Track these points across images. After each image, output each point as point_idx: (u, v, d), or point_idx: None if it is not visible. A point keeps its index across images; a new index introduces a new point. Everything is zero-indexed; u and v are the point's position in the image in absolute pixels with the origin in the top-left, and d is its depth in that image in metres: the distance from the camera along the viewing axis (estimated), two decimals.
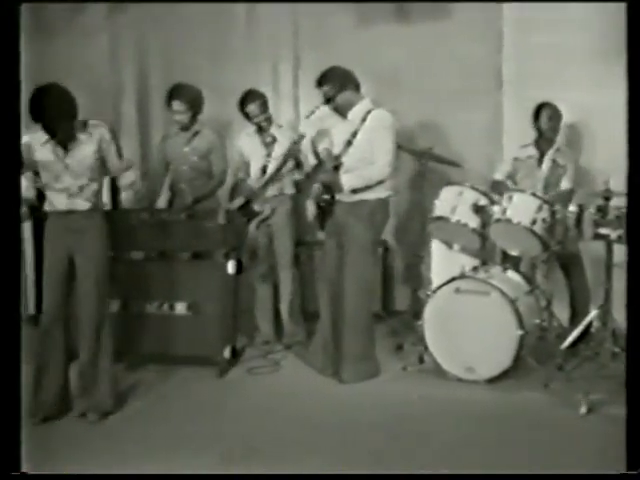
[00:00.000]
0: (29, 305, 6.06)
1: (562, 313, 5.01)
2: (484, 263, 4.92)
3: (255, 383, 4.72)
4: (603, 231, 4.14)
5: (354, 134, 4.61)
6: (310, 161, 4.99)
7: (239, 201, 5.26)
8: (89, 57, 6.45)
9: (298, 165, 5.32)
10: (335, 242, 4.73)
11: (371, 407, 4.27)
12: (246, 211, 5.18)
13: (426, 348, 4.72)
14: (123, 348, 4.72)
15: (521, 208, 4.56)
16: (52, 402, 4.10)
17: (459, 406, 4.23)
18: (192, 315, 4.81)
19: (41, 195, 4.20)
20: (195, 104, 5.29)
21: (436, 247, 5.19)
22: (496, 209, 4.65)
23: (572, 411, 4.00)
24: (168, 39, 6.43)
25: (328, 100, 4.64)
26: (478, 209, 4.74)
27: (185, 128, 5.33)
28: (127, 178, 4.33)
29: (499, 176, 5.26)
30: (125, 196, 4.62)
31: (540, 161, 5.16)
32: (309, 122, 4.92)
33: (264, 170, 5.32)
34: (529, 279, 4.84)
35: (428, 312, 4.70)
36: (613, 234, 4.11)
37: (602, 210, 4.14)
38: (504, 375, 4.48)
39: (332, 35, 6.01)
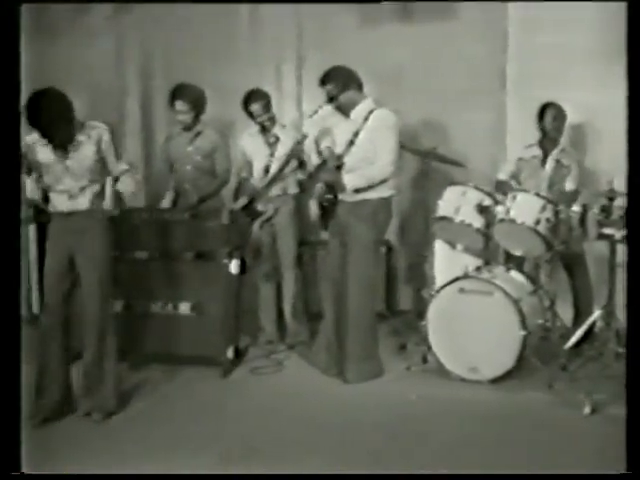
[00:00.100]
0: (34, 305, 6.08)
1: (566, 313, 5.00)
2: (487, 263, 4.92)
3: (258, 383, 4.72)
4: (607, 231, 4.14)
5: (356, 134, 4.61)
6: (313, 161, 4.99)
7: (242, 201, 5.26)
8: (93, 58, 6.46)
9: (301, 165, 5.31)
10: (338, 242, 4.72)
11: (374, 407, 4.27)
12: (249, 211, 5.18)
13: (429, 348, 4.72)
14: (127, 348, 4.72)
15: (525, 208, 4.55)
16: (53, 404, 4.09)
17: (462, 406, 4.22)
18: (195, 315, 4.81)
19: (47, 197, 4.19)
20: (198, 104, 5.29)
21: (439, 247, 5.18)
22: (500, 209, 4.64)
23: (576, 411, 4.00)
24: (172, 40, 6.43)
25: (331, 99, 4.64)
26: (482, 209, 4.73)
27: (188, 128, 5.33)
28: (124, 184, 4.18)
29: (503, 176, 5.26)
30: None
31: (544, 161, 5.15)
32: (312, 121, 4.91)
33: (267, 170, 5.32)
34: (533, 279, 4.83)
35: (431, 312, 4.70)
36: (617, 234, 4.11)
37: (606, 210, 4.14)
38: (507, 375, 4.48)
39: (336, 35, 6.01)
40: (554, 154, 5.13)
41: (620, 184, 3.96)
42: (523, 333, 4.42)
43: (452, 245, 5.12)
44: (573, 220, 4.40)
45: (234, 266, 4.79)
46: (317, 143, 4.92)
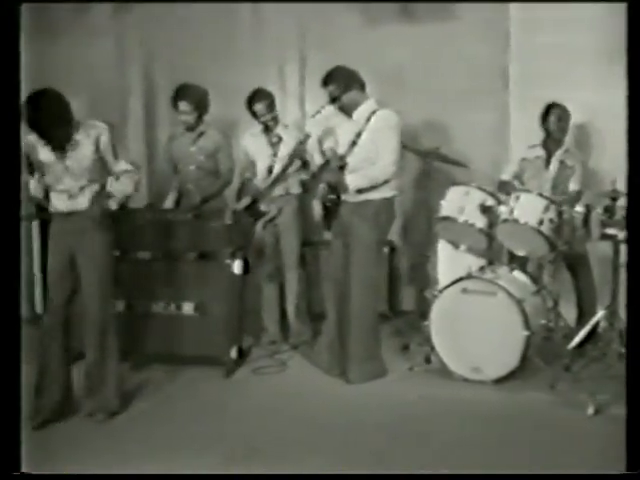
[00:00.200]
0: (37, 305, 6.09)
1: (569, 313, 4.99)
2: (491, 263, 4.92)
3: (261, 383, 4.72)
4: (610, 231, 4.14)
5: (359, 134, 4.61)
6: (316, 161, 4.99)
7: (245, 201, 5.26)
8: (95, 57, 6.46)
9: (304, 165, 5.31)
10: (341, 242, 4.72)
11: (377, 407, 4.27)
12: (252, 211, 5.18)
13: (432, 348, 4.72)
14: (130, 348, 4.73)
15: (528, 208, 4.55)
16: (53, 405, 4.08)
17: (465, 406, 4.22)
18: (198, 315, 4.81)
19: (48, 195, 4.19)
20: (201, 104, 5.29)
21: (443, 247, 5.17)
22: (503, 209, 4.64)
23: (579, 412, 4.00)
24: (174, 39, 6.42)
25: (333, 100, 4.64)
26: (485, 209, 4.73)
27: (191, 128, 5.33)
28: (122, 184, 4.06)
29: (506, 176, 5.25)
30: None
31: (548, 162, 5.14)
32: (315, 121, 4.92)
33: (270, 170, 5.32)
34: (536, 279, 4.83)
35: (434, 312, 4.70)
36: (620, 234, 4.11)
37: (609, 210, 4.14)
38: (511, 375, 4.48)
39: (338, 35, 6.01)
40: (558, 155, 5.12)
41: (623, 184, 3.97)
42: (526, 333, 4.42)
43: (455, 245, 5.12)
44: (576, 220, 4.40)
45: (237, 266, 4.79)
46: (320, 143, 4.92)
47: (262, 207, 5.22)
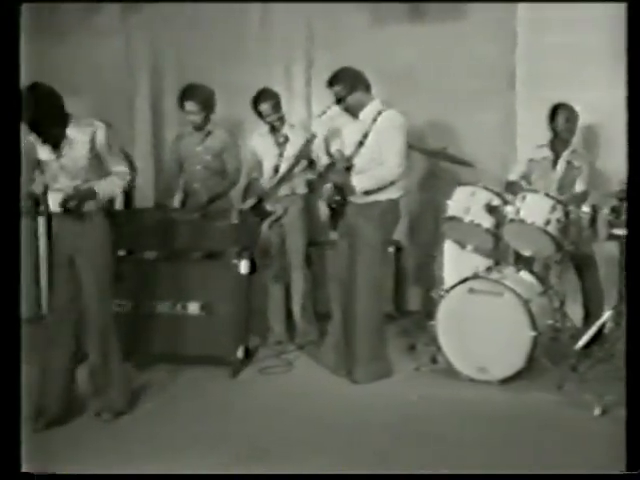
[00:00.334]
0: (43, 304, 6.09)
1: (576, 314, 4.99)
2: (497, 263, 4.91)
3: (267, 383, 4.73)
4: (617, 232, 4.12)
5: (365, 135, 4.61)
6: (322, 161, 5.00)
7: (251, 201, 5.26)
8: (103, 57, 6.49)
9: (311, 165, 5.31)
10: (347, 242, 4.72)
11: (383, 407, 4.27)
12: (258, 211, 5.18)
13: (439, 348, 4.72)
14: (136, 348, 4.75)
15: (535, 208, 4.55)
16: (55, 407, 4.05)
17: (472, 407, 4.22)
18: (205, 315, 4.81)
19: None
20: (208, 104, 5.29)
21: (449, 247, 5.17)
22: (509, 209, 4.63)
23: (586, 412, 3.99)
24: (181, 39, 6.45)
25: (339, 100, 4.64)
26: (491, 209, 4.73)
27: (198, 128, 5.33)
28: (111, 184, 4.01)
29: (513, 177, 5.24)
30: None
31: (555, 162, 5.14)
32: (321, 121, 4.92)
33: (276, 170, 5.32)
34: (542, 280, 4.82)
35: (441, 312, 4.70)
36: None
37: (616, 211, 4.12)
38: (517, 376, 4.47)
39: (346, 35, 6.01)
40: (565, 155, 5.11)
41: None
42: (533, 334, 4.41)
43: (462, 245, 5.11)
44: (583, 221, 4.39)
45: (244, 266, 4.79)
46: (326, 143, 4.92)
47: (268, 207, 5.23)
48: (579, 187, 5.06)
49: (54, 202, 3.95)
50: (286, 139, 5.34)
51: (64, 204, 3.88)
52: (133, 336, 4.74)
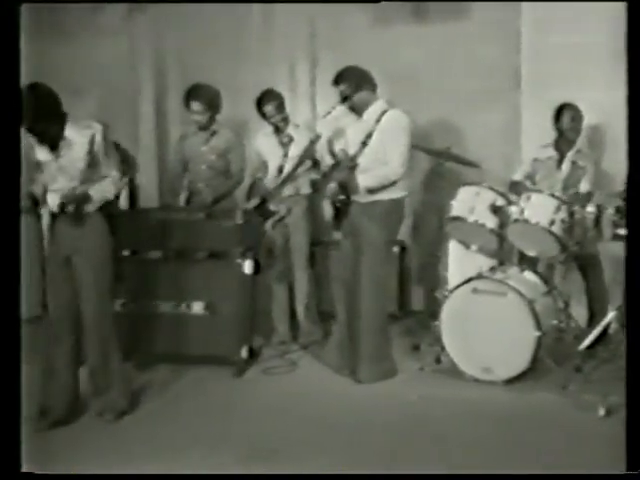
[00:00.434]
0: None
1: (580, 314, 4.98)
2: (501, 264, 4.90)
3: (271, 383, 4.73)
4: (622, 232, 4.11)
5: (369, 135, 4.60)
6: (327, 161, 4.99)
7: (255, 201, 5.27)
8: (107, 57, 6.49)
9: (315, 165, 5.31)
10: (350, 242, 4.72)
11: (387, 407, 4.26)
12: (261, 211, 5.19)
13: (443, 348, 4.71)
14: (140, 347, 4.76)
15: (539, 208, 4.54)
16: (60, 408, 4.05)
17: (476, 407, 4.21)
18: (209, 315, 4.81)
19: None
20: (213, 104, 5.29)
21: (453, 247, 5.16)
22: (514, 209, 4.62)
23: (590, 413, 3.98)
24: (185, 39, 6.46)
25: (344, 99, 4.64)
26: (496, 209, 4.72)
27: (203, 128, 5.33)
28: (106, 188, 3.99)
29: (518, 177, 5.23)
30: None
31: (560, 162, 5.13)
32: (325, 122, 4.92)
33: (281, 170, 5.32)
34: (547, 280, 4.81)
35: (445, 312, 4.69)
36: None
37: (621, 211, 4.11)
38: (521, 376, 4.46)
39: (349, 35, 6.01)
40: (570, 155, 5.10)
41: None
42: (537, 334, 4.41)
43: (466, 245, 5.11)
44: (588, 221, 4.38)
45: (248, 266, 4.80)
46: (330, 144, 4.92)
47: (271, 207, 5.23)
48: (584, 187, 5.05)
49: (52, 203, 3.95)
50: (290, 139, 5.34)
51: (62, 207, 3.88)
52: (137, 336, 4.75)
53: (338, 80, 4.65)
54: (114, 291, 4.23)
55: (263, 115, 5.34)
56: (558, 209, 4.50)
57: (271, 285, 5.51)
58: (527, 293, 4.51)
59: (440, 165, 5.44)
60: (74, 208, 3.88)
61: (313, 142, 5.04)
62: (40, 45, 5.25)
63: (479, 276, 4.67)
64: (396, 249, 5.81)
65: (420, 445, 3.75)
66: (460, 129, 5.81)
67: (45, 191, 3.95)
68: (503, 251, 4.95)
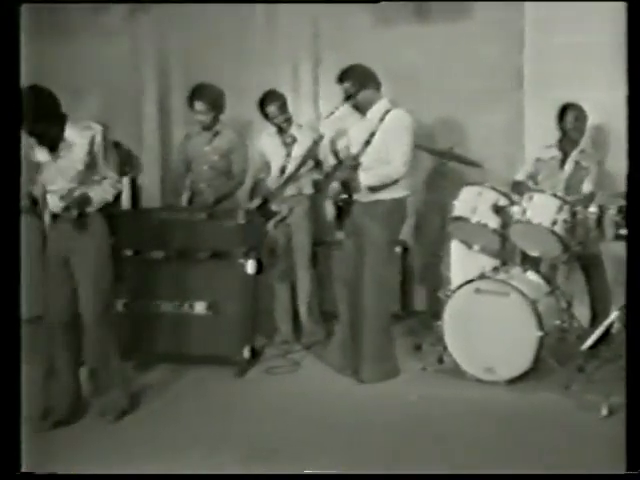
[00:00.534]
0: None
1: (582, 314, 4.97)
2: (504, 264, 4.90)
3: (274, 383, 4.73)
4: (624, 232, 4.10)
5: (372, 134, 4.60)
6: (329, 161, 4.99)
7: (257, 201, 5.27)
8: (110, 57, 6.49)
9: (317, 165, 5.31)
10: (353, 242, 4.72)
11: (390, 407, 4.26)
12: (263, 211, 5.19)
13: (445, 348, 4.71)
14: (142, 347, 4.77)
15: (541, 209, 4.54)
16: (63, 407, 4.05)
17: (478, 407, 4.21)
18: (211, 315, 4.81)
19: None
20: (217, 104, 5.28)
21: (456, 247, 5.16)
22: (516, 209, 4.62)
23: (592, 413, 3.97)
24: (188, 39, 6.46)
25: (348, 97, 4.63)
26: (498, 209, 4.72)
27: (207, 128, 5.32)
28: (104, 190, 3.98)
29: (520, 177, 5.23)
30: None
31: (563, 162, 5.12)
32: (329, 122, 4.92)
33: (283, 170, 5.33)
34: (549, 280, 4.81)
35: (447, 312, 4.69)
36: None
37: (623, 211, 4.10)
38: (524, 376, 4.46)
39: (352, 35, 6.01)
40: (573, 155, 5.09)
41: None
42: (540, 334, 4.40)
43: (468, 245, 5.11)
44: (590, 221, 4.37)
45: (250, 266, 4.80)
46: (332, 144, 4.92)
47: (273, 207, 5.23)
48: (587, 187, 5.03)
49: (53, 203, 3.94)
50: (293, 140, 5.34)
51: (65, 210, 3.87)
52: (139, 336, 4.76)
53: (343, 78, 4.65)
54: (115, 291, 4.24)
55: (266, 116, 5.34)
56: (560, 209, 4.49)
57: (273, 285, 5.51)
58: (530, 293, 4.50)
59: (443, 165, 5.44)
60: (77, 213, 3.87)
61: (316, 142, 5.04)
62: (40, 45, 5.26)
63: (481, 276, 4.67)
64: (398, 249, 5.80)
65: (422, 445, 3.75)
66: (463, 129, 5.81)
67: (45, 192, 3.94)
68: (505, 251, 4.95)
